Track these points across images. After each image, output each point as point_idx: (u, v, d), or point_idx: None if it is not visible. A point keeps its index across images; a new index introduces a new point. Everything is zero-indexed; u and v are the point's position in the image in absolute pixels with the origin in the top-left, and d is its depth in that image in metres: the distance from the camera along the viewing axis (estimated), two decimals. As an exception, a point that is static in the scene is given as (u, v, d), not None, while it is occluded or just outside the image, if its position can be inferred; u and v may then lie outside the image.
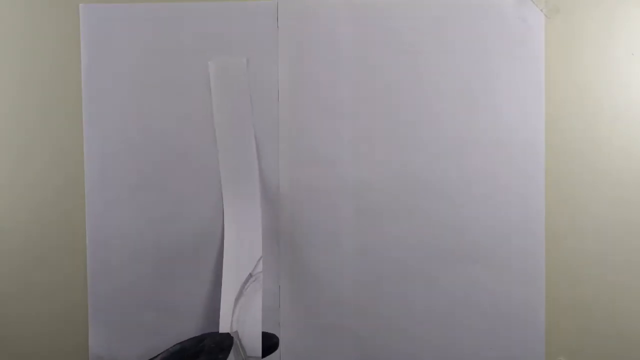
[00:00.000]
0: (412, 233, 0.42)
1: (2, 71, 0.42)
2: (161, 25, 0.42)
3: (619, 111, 0.42)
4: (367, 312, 0.42)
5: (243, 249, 0.41)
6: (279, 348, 0.41)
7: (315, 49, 0.42)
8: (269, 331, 0.40)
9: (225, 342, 0.38)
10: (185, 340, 0.38)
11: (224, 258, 0.41)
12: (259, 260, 0.40)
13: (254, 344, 0.38)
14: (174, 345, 0.38)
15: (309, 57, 0.42)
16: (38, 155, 0.43)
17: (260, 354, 0.38)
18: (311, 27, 0.42)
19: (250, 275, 0.40)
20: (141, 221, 0.42)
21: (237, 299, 0.39)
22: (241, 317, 0.39)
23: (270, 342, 0.40)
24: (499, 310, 0.42)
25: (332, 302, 0.42)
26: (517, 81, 0.42)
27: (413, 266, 0.42)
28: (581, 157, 0.42)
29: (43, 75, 0.42)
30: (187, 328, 0.42)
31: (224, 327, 0.39)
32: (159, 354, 0.37)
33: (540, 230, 0.42)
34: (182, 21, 0.42)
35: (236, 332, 0.39)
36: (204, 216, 0.42)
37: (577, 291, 0.42)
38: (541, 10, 0.41)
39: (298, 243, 0.42)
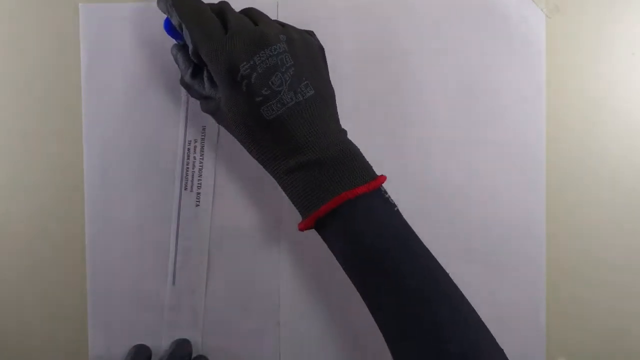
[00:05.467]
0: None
1: (1, 71, 0.42)
2: (161, 25, 0.42)
3: (619, 111, 0.42)
4: (367, 312, 0.42)
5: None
6: (279, 348, 0.41)
7: (315, 49, 0.42)
8: (269, 331, 0.40)
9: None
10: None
11: None
12: None
13: None
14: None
15: (309, 57, 0.42)
16: (37, 155, 0.42)
17: None
18: (311, 27, 0.42)
19: None
20: (141, 221, 0.42)
21: None
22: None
23: None
24: (500, 310, 0.42)
25: (332, 302, 0.42)
26: (518, 81, 0.42)
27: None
28: (582, 157, 0.42)
29: (42, 75, 0.42)
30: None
31: None
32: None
33: (541, 231, 0.42)
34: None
35: None
36: (204, 216, 0.42)
37: (578, 292, 0.42)
38: (542, 9, 0.41)
39: (298, 243, 0.42)
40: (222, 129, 0.41)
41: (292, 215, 0.42)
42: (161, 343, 0.42)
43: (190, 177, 0.42)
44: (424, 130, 0.42)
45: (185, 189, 0.42)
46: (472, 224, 0.42)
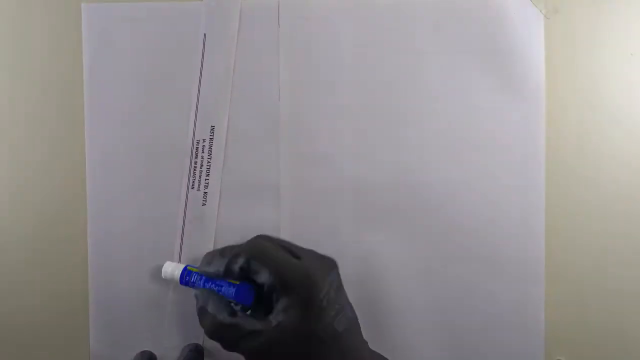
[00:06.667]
0: (412, 233, 0.42)
1: (3, 70, 0.43)
2: (163, 25, 0.42)
3: (618, 111, 0.42)
4: (366, 312, 0.42)
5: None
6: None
7: (315, 49, 0.42)
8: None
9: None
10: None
11: None
12: None
13: None
14: None
15: (310, 57, 0.42)
16: (39, 154, 0.43)
17: None
18: (312, 27, 0.42)
19: None
20: (143, 221, 0.42)
21: None
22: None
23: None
24: (499, 310, 0.42)
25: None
26: (517, 81, 0.42)
27: (412, 266, 0.42)
28: (581, 157, 0.42)
29: (45, 75, 0.42)
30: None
31: None
32: None
33: (540, 230, 0.42)
34: (184, 20, 0.42)
35: None
36: (205, 215, 0.42)
37: (577, 291, 0.42)
38: (541, 10, 0.42)
39: (298, 242, 0.42)
40: (231, 129, 0.42)
41: (295, 217, 0.42)
42: (163, 342, 0.42)
43: (197, 176, 0.42)
44: (423, 129, 0.42)
45: (192, 187, 0.42)
46: (472, 224, 0.42)
